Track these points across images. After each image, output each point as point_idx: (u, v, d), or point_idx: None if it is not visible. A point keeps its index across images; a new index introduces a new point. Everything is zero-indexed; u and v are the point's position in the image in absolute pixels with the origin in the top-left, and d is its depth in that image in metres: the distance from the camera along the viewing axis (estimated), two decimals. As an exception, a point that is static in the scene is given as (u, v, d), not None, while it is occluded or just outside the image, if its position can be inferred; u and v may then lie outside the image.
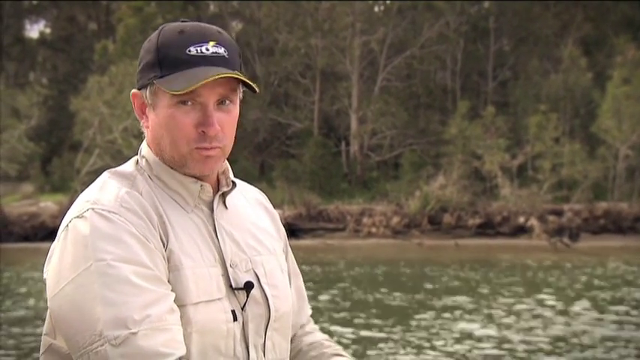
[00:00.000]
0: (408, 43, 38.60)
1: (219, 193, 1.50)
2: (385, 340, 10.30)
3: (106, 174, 1.47)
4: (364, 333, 10.81)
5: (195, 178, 1.46)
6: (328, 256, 25.01)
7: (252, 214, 1.59)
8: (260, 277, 1.49)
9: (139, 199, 1.40)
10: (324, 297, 14.65)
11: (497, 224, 31.04)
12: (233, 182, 1.54)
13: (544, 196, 31.31)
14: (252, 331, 1.46)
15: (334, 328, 11.12)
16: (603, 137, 32.43)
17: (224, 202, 1.51)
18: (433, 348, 9.79)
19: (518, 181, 32.35)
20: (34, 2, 44.58)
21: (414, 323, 11.67)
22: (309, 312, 1.73)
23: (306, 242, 29.82)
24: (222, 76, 1.37)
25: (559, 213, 30.49)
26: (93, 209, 1.36)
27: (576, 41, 37.03)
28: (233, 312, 1.43)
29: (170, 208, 1.44)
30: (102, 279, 1.30)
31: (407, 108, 38.01)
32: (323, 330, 1.72)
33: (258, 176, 36.36)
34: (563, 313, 12.58)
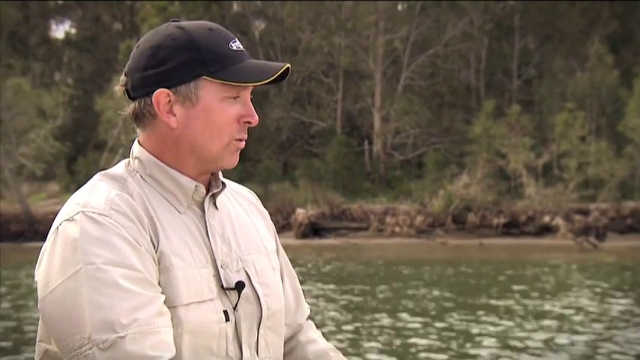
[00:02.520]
0: (432, 41, 38.40)
1: (210, 194, 1.51)
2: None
3: (96, 176, 1.47)
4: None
5: (191, 178, 1.48)
6: (365, 255, 24.95)
7: (242, 213, 1.60)
8: (251, 276, 1.50)
9: (129, 202, 1.40)
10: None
11: (522, 224, 30.77)
12: (223, 183, 1.55)
13: (570, 195, 30.99)
14: (244, 330, 1.47)
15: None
16: (630, 136, 32.01)
17: (214, 203, 1.52)
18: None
19: (543, 180, 32.05)
20: (60, 3, 45.04)
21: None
22: (308, 312, 1.73)
23: (329, 241, 29.78)
24: (287, 66, 1.45)
25: (585, 212, 30.16)
26: (83, 212, 1.37)
27: (603, 39, 36.57)
28: (225, 312, 1.44)
29: (162, 208, 1.45)
30: (91, 282, 1.31)
31: (430, 107, 37.83)
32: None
33: (281, 175, 36.38)
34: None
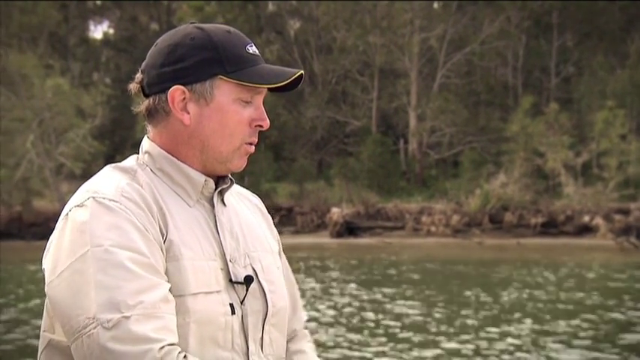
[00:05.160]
0: (468, 39, 38.07)
1: (219, 189, 1.53)
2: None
3: (107, 168, 1.50)
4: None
5: (201, 173, 1.50)
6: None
7: (248, 213, 1.62)
8: (258, 272, 1.51)
9: (139, 190, 1.42)
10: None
11: (561, 223, 30.35)
12: (231, 179, 1.56)
13: (610, 194, 30.48)
14: (251, 324, 1.48)
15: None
16: (672, 134, 31.40)
17: (222, 200, 1.54)
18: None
19: (582, 179, 31.57)
20: (98, 3, 45.63)
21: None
22: (304, 318, 1.73)
23: (364, 241, 29.68)
24: (301, 72, 1.48)
25: (626, 212, 29.66)
26: (94, 198, 1.39)
27: (644, 35, 35.87)
28: (231, 305, 1.45)
29: (172, 200, 1.46)
30: (98, 264, 1.32)
31: (467, 105, 37.50)
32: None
33: (316, 174, 36.37)
34: None
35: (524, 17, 38.34)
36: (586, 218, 29.83)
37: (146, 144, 1.51)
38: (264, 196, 34.61)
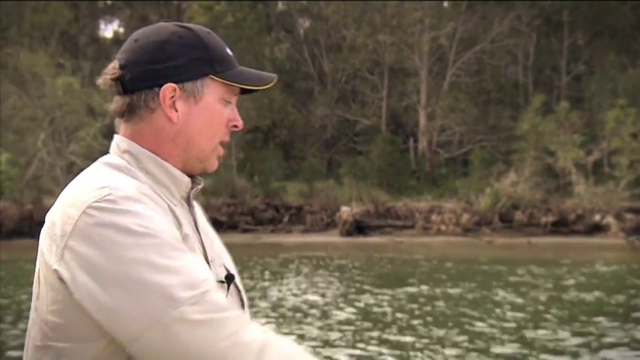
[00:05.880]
0: (478, 37, 37.98)
1: (192, 190, 1.53)
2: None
3: (101, 166, 1.45)
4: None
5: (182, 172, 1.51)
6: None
7: (204, 218, 1.64)
8: (230, 271, 1.54)
9: (146, 188, 1.40)
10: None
11: (572, 222, 30.24)
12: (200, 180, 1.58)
13: (621, 193, 30.35)
14: None
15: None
16: (684, 133, 31.21)
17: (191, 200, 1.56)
18: None
19: (593, 178, 31.44)
20: (109, 3, 45.80)
21: None
22: None
23: (374, 239, 29.66)
24: (276, 77, 1.55)
25: (637, 211, 29.54)
26: (114, 193, 1.34)
27: (655, 33, 35.70)
28: None
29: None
30: (154, 249, 1.29)
31: (477, 104, 37.42)
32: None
33: (325, 173, 36.36)
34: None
35: (534, 15, 38.22)
36: (597, 217, 29.71)
37: (124, 143, 1.47)
38: (273, 195, 34.80)
